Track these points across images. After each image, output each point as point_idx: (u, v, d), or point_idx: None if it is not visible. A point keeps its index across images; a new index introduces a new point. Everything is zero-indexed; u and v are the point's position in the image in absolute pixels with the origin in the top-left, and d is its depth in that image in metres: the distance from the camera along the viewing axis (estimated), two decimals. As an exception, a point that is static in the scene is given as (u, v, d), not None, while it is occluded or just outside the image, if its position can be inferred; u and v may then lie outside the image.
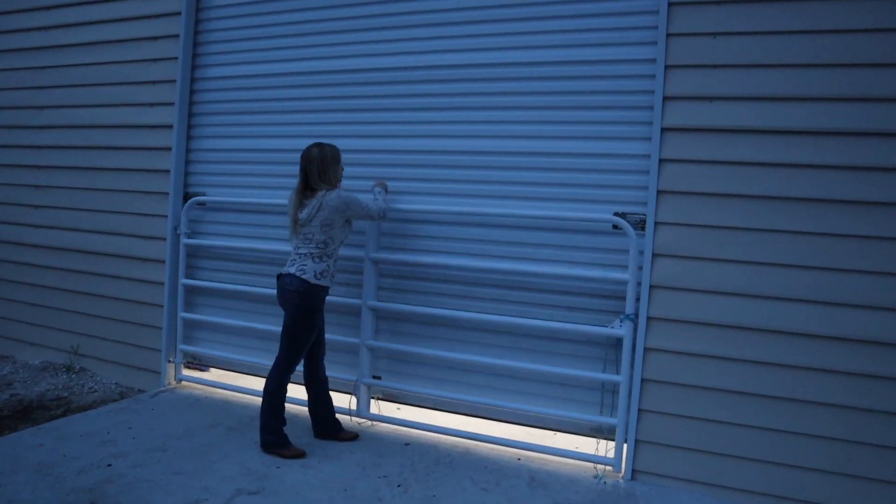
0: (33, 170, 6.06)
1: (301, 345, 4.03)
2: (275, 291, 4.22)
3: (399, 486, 3.72)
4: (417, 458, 4.12)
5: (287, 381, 4.07)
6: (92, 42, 5.68)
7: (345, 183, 4.29)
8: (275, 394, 4.02)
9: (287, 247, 4.56)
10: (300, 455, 3.98)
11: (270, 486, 3.64)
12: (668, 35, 3.81)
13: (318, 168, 3.97)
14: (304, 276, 3.93)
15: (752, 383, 3.64)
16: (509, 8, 4.30)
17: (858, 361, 3.45)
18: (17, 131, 6.16)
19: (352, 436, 4.28)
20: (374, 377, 4.69)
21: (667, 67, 3.81)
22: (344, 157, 4.21)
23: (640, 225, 3.91)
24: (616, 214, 3.98)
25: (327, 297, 4.14)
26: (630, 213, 3.95)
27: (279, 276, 4.06)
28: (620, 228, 3.95)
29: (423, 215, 4.51)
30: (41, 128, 6.00)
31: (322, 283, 3.99)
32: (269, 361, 4.22)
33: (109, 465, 3.86)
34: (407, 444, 4.33)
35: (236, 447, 4.16)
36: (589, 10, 4.09)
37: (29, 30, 6.07)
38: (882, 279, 3.41)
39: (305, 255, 3.98)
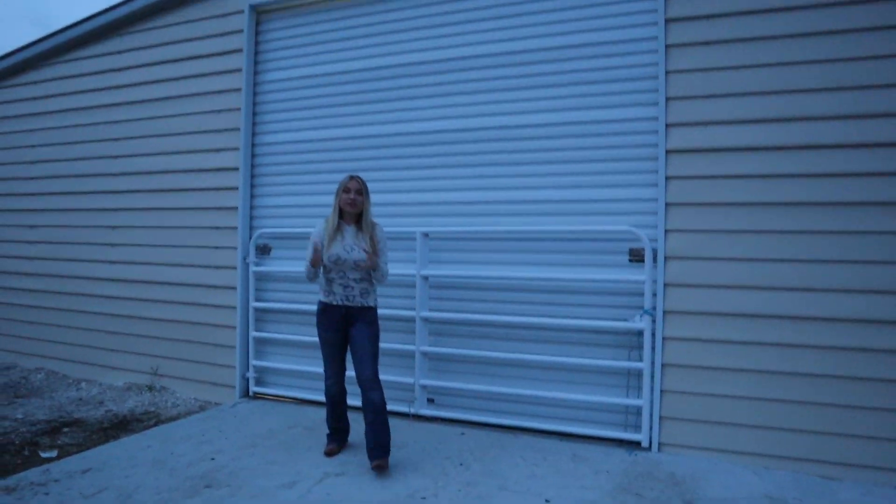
0: (108, 212, 6.82)
1: (322, 354, 4.45)
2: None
3: (461, 464, 4.39)
4: (473, 443, 4.78)
5: (327, 384, 4.48)
6: (163, 97, 6.46)
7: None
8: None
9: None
10: (330, 453, 4.50)
11: (350, 469, 4.30)
12: (667, 74, 4.52)
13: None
14: (372, 304, 4.39)
15: (755, 361, 4.31)
16: (531, 74, 5.08)
17: (840, 337, 4.13)
18: (92, 179, 6.92)
19: (379, 465, 4.15)
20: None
21: (668, 101, 4.52)
22: (380, 208, 5.06)
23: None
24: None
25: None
26: (644, 226, 4.65)
27: (343, 307, 4.36)
28: (638, 239, 4.63)
29: (468, 234, 5.23)
30: (115, 175, 6.77)
31: (320, 298, 4.41)
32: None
33: (213, 459, 4.54)
34: (462, 434, 5.00)
35: (316, 442, 4.83)
36: (596, 77, 4.88)
37: (102, 89, 6.86)
38: (857, 266, 4.09)
39: (365, 282, 4.40)
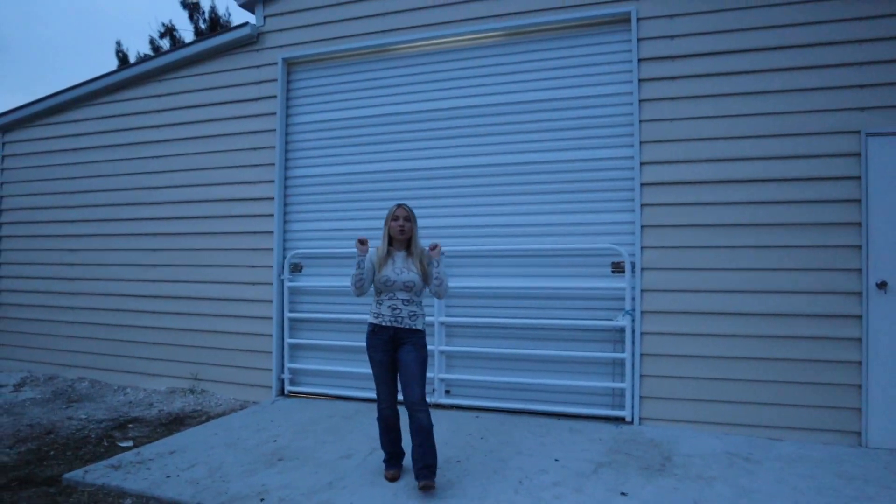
0: (149, 237, 7.71)
1: (374, 375, 4.50)
2: (358, 317, 6.07)
3: (481, 438, 5.41)
4: (487, 423, 5.81)
5: (379, 409, 4.50)
6: (202, 136, 7.41)
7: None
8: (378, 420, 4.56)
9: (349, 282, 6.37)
10: (392, 478, 4.51)
11: (392, 445, 5.29)
12: (640, 122, 5.68)
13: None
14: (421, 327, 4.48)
15: (716, 348, 5.44)
16: (528, 122, 6.19)
17: (776, 328, 5.30)
18: (133, 207, 7.82)
19: (425, 486, 4.20)
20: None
21: (641, 144, 5.67)
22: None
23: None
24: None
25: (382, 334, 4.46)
26: (624, 244, 5.77)
27: (405, 330, 4.43)
28: (619, 254, 5.76)
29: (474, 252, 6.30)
30: (156, 203, 7.68)
31: (369, 320, 4.49)
32: (353, 369, 6.38)
33: (275, 441, 5.48)
34: (477, 416, 6.03)
35: (357, 426, 5.80)
36: (584, 123, 6.02)
37: (142, 128, 7.80)
38: (785, 273, 5.29)
39: (417, 304, 4.51)
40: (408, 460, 4.60)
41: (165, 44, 29.27)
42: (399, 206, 4.49)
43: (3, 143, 8.82)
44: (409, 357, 4.33)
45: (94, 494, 4.51)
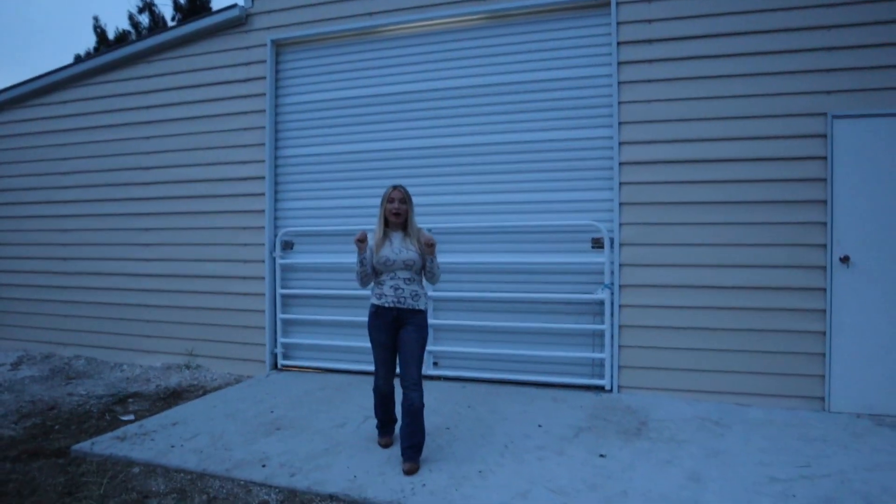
0: (141, 216, 7.88)
1: (374, 355, 4.55)
2: (347, 292, 6.41)
3: (469, 406, 5.70)
4: (474, 393, 6.11)
5: (375, 381, 4.60)
6: (192, 117, 7.57)
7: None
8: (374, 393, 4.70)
9: (339, 258, 6.87)
10: (385, 445, 4.74)
11: (384, 414, 5.56)
12: (619, 104, 5.93)
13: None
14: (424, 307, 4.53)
15: (690, 320, 5.75)
16: (511, 103, 6.42)
17: (743, 300, 5.62)
18: (124, 188, 7.98)
19: (407, 469, 4.33)
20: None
21: (620, 125, 5.92)
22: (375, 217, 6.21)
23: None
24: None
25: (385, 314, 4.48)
26: (603, 221, 6.04)
27: (409, 310, 4.47)
28: (599, 230, 6.03)
29: (459, 229, 6.55)
30: (147, 184, 7.84)
31: (371, 301, 4.52)
32: (344, 343, 6.62)
33: (272, 412, 5.74)
34: (464, 387, 6.32)
35: (349, 397, 6.08)
36: (566, 104, 6.26)
37: (132, 109, 7.93)
38: (751, 248, 5.60)
39: (418, 282, 4.54)
40: (388, 460, 4.59)
41: (144, 19, 29.00)
42: (395, 187, 4.50)
43: (-7, 124, 8.89)
44: (411, 338, 4.39)
45: (102, 464, 4.75)
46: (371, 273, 4.47)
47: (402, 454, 4.38)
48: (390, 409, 4.73)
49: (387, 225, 4.49)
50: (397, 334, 4.45)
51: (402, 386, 4.38)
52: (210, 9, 29.60)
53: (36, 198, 8.56)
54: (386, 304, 4.40)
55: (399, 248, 4.42)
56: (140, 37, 27.11)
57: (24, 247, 8.66)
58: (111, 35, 29.59)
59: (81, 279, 8.26)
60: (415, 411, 4.33)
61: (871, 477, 4.13)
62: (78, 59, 8.17)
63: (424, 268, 4.50)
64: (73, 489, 4.34)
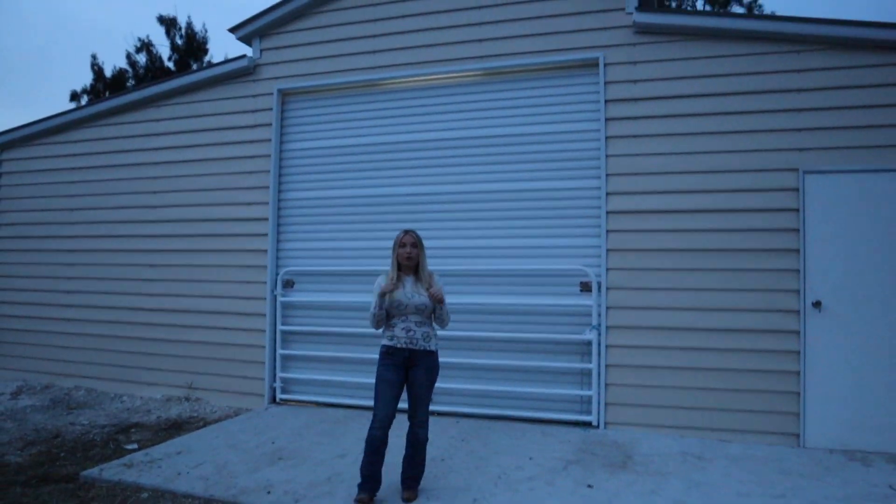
0: (146, 253, 8.17)
1: (377, 392, 4.48)
2: (345, 329, 6.75)
3: (462, 440, 5.97)
4: (467, 427, 6.38)
5: (371, 430, 4.43)
6: (199, 159, 7.92)
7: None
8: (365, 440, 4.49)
9: (337, 297, 7.16)
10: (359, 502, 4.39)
11: (381, 446, 5.82)
12: (607, 157, 6.34)
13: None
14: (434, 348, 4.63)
15: (673, 360, 6.09)
16: (506, 154, 6.83)
17: (722, 341, 5.97)
18: (130, 225, 8.28)
19: (407, 497, 4.51)
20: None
21: (608, 176, 6.33)
22: (379, 251, 6.73)
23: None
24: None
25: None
26: (591, 266, 6.41)
27: (422, 352, 4.56)
28: (587, 275, 6.39)
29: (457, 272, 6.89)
30: (153, 222, 8.15)
31: (383, 342, 4.57)
32: (342, 378, 6.89)
33: (273, 443, 5.98)
34: (457, 421, 6.59)
35: (348, 430, 6.32)
36: (557, 156, 6.68)
37: (140, 150, 8.28)
38: (728, 293, 5.97)
39: (429, 325, 4.64)
40: (384, 488, 4.63)
41: (142, 58, 29.56)
42: (406, 232, 4.61)
43: (2, 161, 9.19)
44: (422, 380, 4.50)
45: (111, 489, 4.97)
46: (384, 316, 4.56)
47: (403, 483, 4.58)
48: (379, 462, 4.46)
49: (399, 269, 4.58)
50: (406, 374, 4.52)
51: (412, 422, 4.56)
52: (206, 50, 30.22)
53: (42, 232, 8.82)
54: (398, 345, 4.48)
55: (411, 293, 4.52)
56: (137, 76, 27.49)
57: (26, 279, 8.90)
58: (108, 73, 30.10)
59: (83, 312, 8.49)
60: (420, 444, 4.55)
61: (840, 507, 4.43)
62: (74, 96, 8.66)
63: (434, 312, 4.62)
64: (86, 512, 4.55)
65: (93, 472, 5.25)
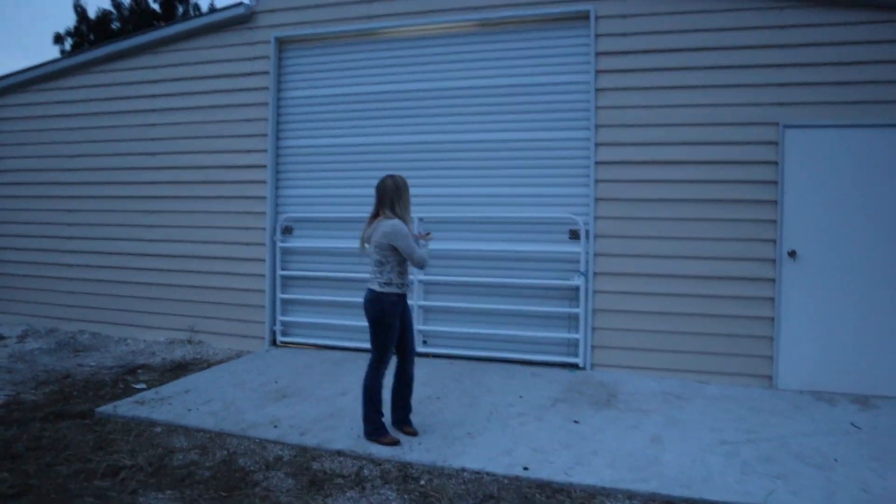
0: (146, 199, 8.36)
1: (382, 345, 4.66)
2: (343, 274, 6.88)
3: (456, 380, 6.31)
4: (461, 368, 6.72)
5: (379, 377, 4.70)
6: (197, 106, 8.06)
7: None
8: (370, 389, 4.69)
9: (335, 243, 7.36)
10: (395, 443, 4.64)
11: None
12: (596, 109, 6.55)
13: (389, 196, 4.60)
14: (371, 287, 4.66)
15: (656, 305, 6.41)
16: (499, 104, 7.01)
17: (703, 288, 6.30)
18: (130, 172, 8.44)
19: (413, 431, 4.85)
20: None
21: (597, 127, 6.55)
22: (370, 205, 6.70)
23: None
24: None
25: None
26: (580, 214, 6.68)
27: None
28: (575, 223, 6.67)
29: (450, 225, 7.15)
30: (152, 168, 8.32)
31: (387, 290, 4.59)
32: (340, 321, 7.14)
33: (276, 382, 6.30)
34: (451, 363, 6.93)
35: (347, 370, 6.64)
36: (548, 107, 6.86)
37: (138, 97, 8.39)
38: (709, 242, 6.26)
39: (372, 270, 4.68)
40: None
41: (125, 0, 29.02)
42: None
43: (-1, 107, 9.28)
44: (410, 317, 4.88)
45: (126, 424, 5.28)
46: None
47: (406, 420, 4.92)
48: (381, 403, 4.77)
49: None
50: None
51: (406, 360, 4.85)
52: (197, -7, 29.71)
53: (42, 179, 8.97)
54: (404, 291, 4.74)
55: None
56: (122, 18, 27.06)
57: (29, 225, 9.08)
58: (92, 14, 29.59)
59: (86, 257, 8.71)
60: (412, 380, 4.92)
61: (806, 441, 4.81)
62: (58, 38, 8.75)
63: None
64: (104, 444, 4.86)
65: (107, 408, 5.55)
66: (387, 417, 4.93)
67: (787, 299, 6.08)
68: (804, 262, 6.05)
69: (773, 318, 6.11)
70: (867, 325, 5.91)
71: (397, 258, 4.60)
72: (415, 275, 7.08)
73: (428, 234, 5.02)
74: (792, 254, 6.06)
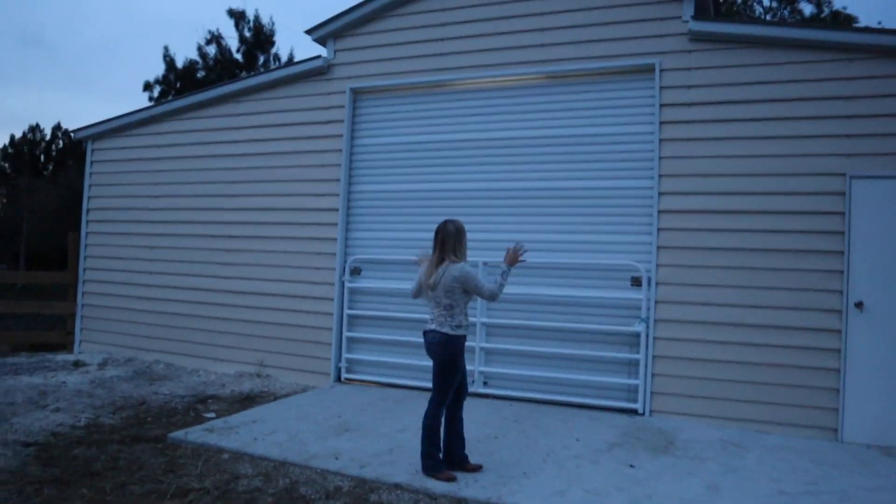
0: (224, 238, 8.80)
1: (448, 385, 4.79)
2: (407, 315, 7.05)
3: (515, 421, 6.39)
4: (520, 410, 6.79)
5: (440, 416, 4.83)
6: (275, 152, 8.51)
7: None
8: (431, 427, 4.80)
9: (401, 284, 7.53)
10: (452, 479, 4.74)
11: (438, 424, 6.28)
12: (660, 159, 6.67)
13: (452, 241, 4.79)
14: (442, 330, 4.76)
15: (718, 353, 6.39)
16: (564, 154, 7.18)
17: (764, 337, 6.25)
18: (210, 212, 8.92)
19: (476, 467, 4.96)
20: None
21: (660, 177, 6.66)
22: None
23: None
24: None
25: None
26: (642, 262, 6.75)
27: (425, 332, 4.92)
28: (638, 270, 6.74)
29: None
30: (231, 210, 8.77)
31: (458, 332, 4.77)
32: (402, 360, 7.36)
33: (339, 417, 6.49)
34: (510, 404, 7.01)
35: (408, 408, 6.79)
36: (612, 157, 7.01)
37: (220, 143, 8.92)
38: (784, 292, 6.22)
39: (440, 313, 4.80)
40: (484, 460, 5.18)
41: (211, 50, 30.65)
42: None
43: (93, 150, 9.95)
44: (464, 360, 4.97)
45: (196, 450, 5.54)
46: None
47: (467, 458, 5.03)
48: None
49: None
50: None
51: (461, 400, 5.00)
52: (273, 43, 31.16)
53: (128, 217, 9.55)
54: (465, 334, 4.90)
55: None
56: (207, 67, 28.48)
57: (113, 260, 9.64)
58: (179, 64, 31.30)
59: (165, 292, 9.18)
60: (462, 419, 5.04)
61: (870, 496, 4.71)
62: (147, 86, 9.08)
63: None
64: (174, 468, 5.12)
65: (178, 434, 5.83)
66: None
67: (854, 351, 5.99)
68: (871, 313, 5.96)
69: (838, 370, 6.02)
70: (939, 381, 5.75)
71: (465, 300, 4.82)
72: (477, 317, 7.24)
73: (518, 247, 5.07)
74: (859, 305, 5.99)
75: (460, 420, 5.01)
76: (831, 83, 6.20)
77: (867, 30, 6.07)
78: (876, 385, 5.92)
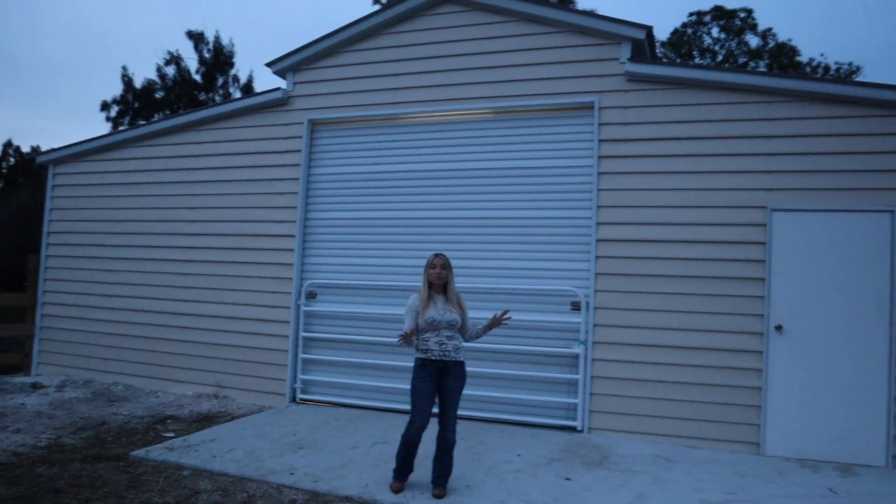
0: (182, 263, 9.04)
1: (413, 401, 5.03)
2: (361, 337, 7.54)
3: (461, 438, 6.67)
4: (464, 428, 7.11)
5: (408, 433, 5.03)
6: (234, 180, 8.80)
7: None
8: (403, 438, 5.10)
9: (355, 308, 7.90)
10: (399, 490, 5.10)
11: (391, 438, 6.59)
12: (598, 190, 7.14)
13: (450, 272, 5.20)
14: (459, 358, 5.12)
15: (654, 373, 6.84)
16: (510, 185, 7.62)
17: (695, 358, 6.72)
18: (168, 237, 9.16)
19: (441, 493, 5.06)
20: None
21: (598, 208, 7.13)
22: (396, 268, 7.67)
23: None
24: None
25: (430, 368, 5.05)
26: (581, 287, 7.19)
27: (455, 363, 5.09)
28: (577, 295, 7.18)
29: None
30: (190, 234, 9.02)
31: (417, 356, 5.09)
32: (356, 381, 7.69)
33: (294, 435, 6.77)
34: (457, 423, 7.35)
35: (360, 427, 7.10)
36: (554, 188, 7.42)
37: (180, 169, 9.19)
38: (711, 316, 6.70)
39: (451, 343, 5.07)
40: (416, 474, 5.35)
41: (171, 71, 30.69)
42: (437, 255, 5.15)
43: (55, 174, 10.12)
44: (454, 387, 5.06)
45: (157, 467, 5.78)
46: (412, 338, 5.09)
47: (435, 482, 5.12)
48: (413, 456, 5.14)
49: (430, 288, 5.12)
50: (440, 383, 5.04)
51: (442, 427, 5.09)
52: (233, 64, 31.32)
53: (88, 241, 9.72)
54: (432, 358, 4.99)
55: (443, 310, 5.06)
56: (166, 87, 28.52)
57: (72, 283, 9.79)
58: (138, 84, 31.25)
59: (123, 314, 9.36)
60: (450, 447, 5.09)
61: (781, 502, 5.17)
62: (105, 106, 9.26)
63: (464, 326, 5.24)
64: (137, 484, 5.35)
65: (140, 453, 6.06)
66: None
67: (774, 370, 6.48)
68: (790, 335, 6.47)
69: (760, 388, 6.51)
70: (850, 397, 6.29)
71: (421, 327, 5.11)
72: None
73: (505, 312, 5.43)
74: (779, 328, 6.49)
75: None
76: (754, 123, 6.74)
77: (787, 75, 6.66)
78: (794, 402, 6.42)
